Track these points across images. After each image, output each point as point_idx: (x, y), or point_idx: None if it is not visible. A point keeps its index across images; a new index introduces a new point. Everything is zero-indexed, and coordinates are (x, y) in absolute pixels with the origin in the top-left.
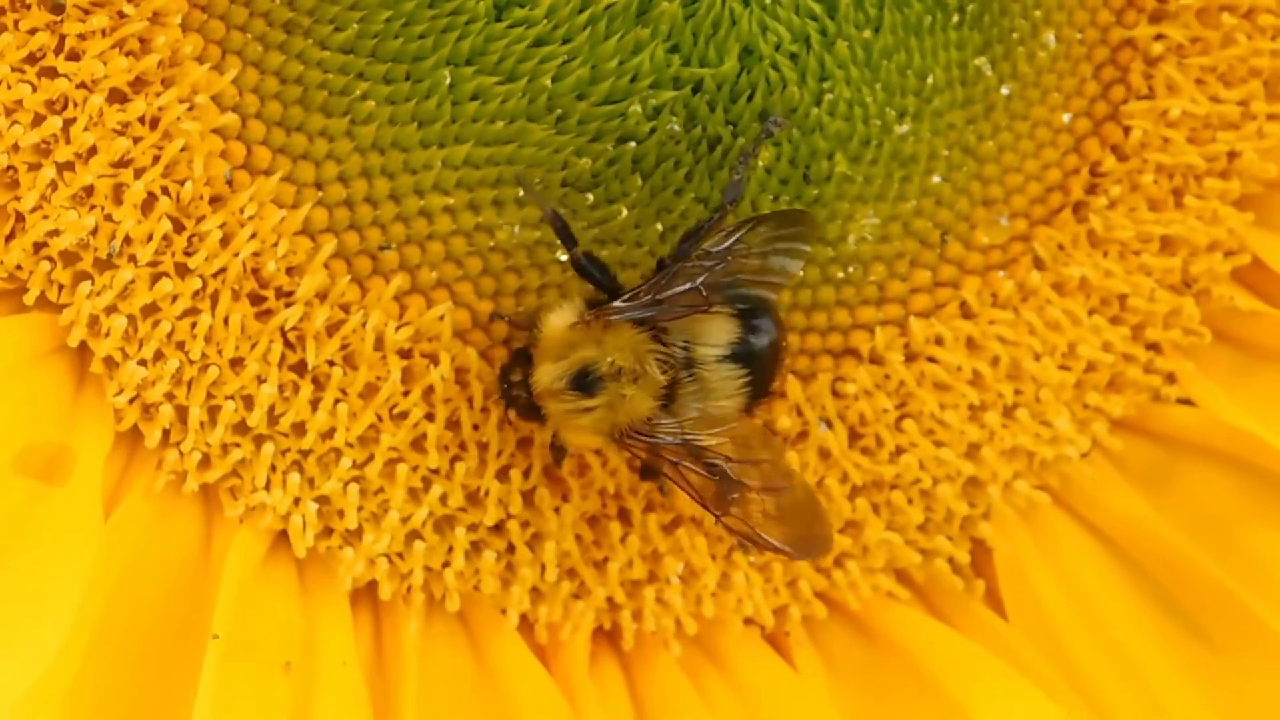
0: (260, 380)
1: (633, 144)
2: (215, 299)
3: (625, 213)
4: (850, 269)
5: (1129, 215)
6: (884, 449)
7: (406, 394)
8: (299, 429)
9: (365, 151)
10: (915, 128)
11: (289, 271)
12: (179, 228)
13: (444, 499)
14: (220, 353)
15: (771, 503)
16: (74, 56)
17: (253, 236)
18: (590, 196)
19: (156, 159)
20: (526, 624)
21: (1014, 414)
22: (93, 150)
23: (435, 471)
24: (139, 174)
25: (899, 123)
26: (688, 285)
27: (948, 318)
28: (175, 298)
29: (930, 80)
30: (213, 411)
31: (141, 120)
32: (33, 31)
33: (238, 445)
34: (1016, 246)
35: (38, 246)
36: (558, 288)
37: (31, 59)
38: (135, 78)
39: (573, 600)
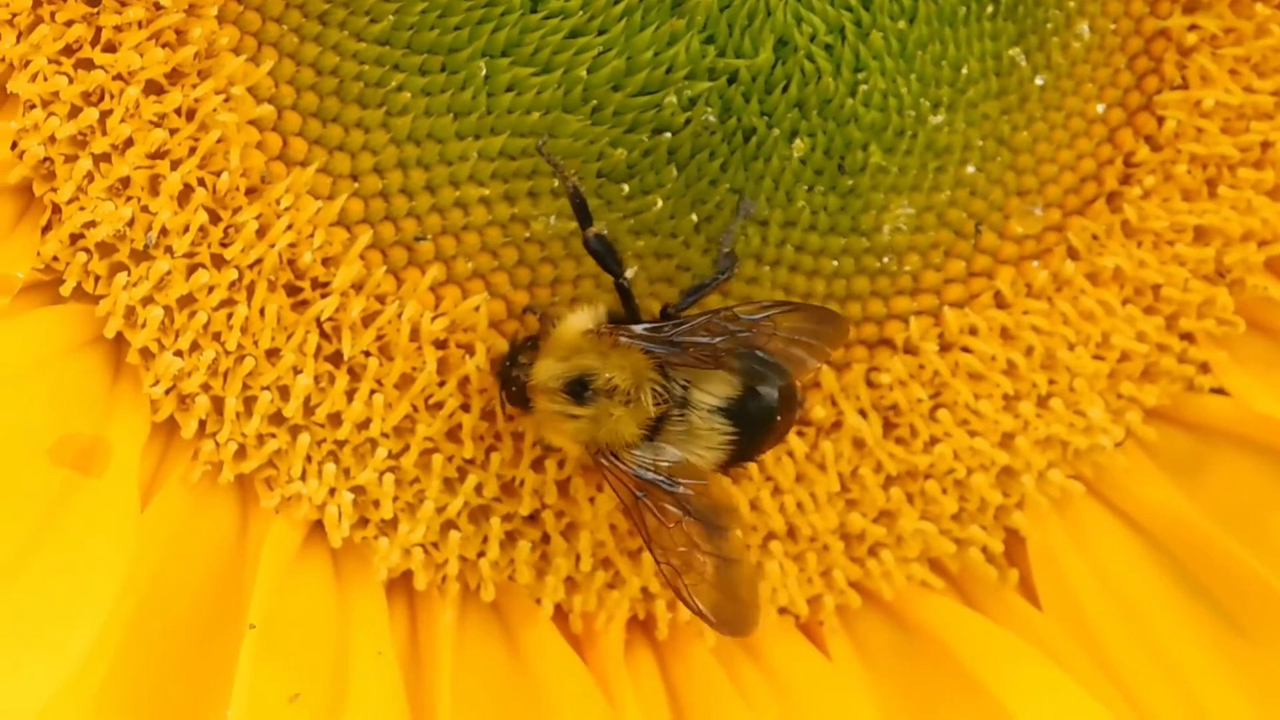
0: (296, 371)
1: (668, 135)
2: (251, 290)
3: (660, 203)
4: (885, 259)
5: (1163, 205)
6: (918, 439)
7: (442, 384)
8: (334, 419)
9: (401, 143)
10: (950, 118)
11: (325, 262)
12: (215, 219)
13: (479, 489)
14: (256, 343)
15: (712, 568)
16: (110, 48)
17: (289, 228)
18: (626, 187)
19: (193, 150)
20: (561, 614)
21: (1048, 403)
22: (129, 142)
23: (470, 461)
24: (175, 165)
25: (934, 113)
26: (705, 339)
27: (982, 308)
28: (211, 289)
29: (965, 71)
30: (249, 402)
31: (178, 112)
32: (69, 23)
33: (273, 436)
34: (1051, 236)
35: (74, 238)
36: (593, 278)
37: (68, 51)
38: (171, 69)
39: (607, 590)
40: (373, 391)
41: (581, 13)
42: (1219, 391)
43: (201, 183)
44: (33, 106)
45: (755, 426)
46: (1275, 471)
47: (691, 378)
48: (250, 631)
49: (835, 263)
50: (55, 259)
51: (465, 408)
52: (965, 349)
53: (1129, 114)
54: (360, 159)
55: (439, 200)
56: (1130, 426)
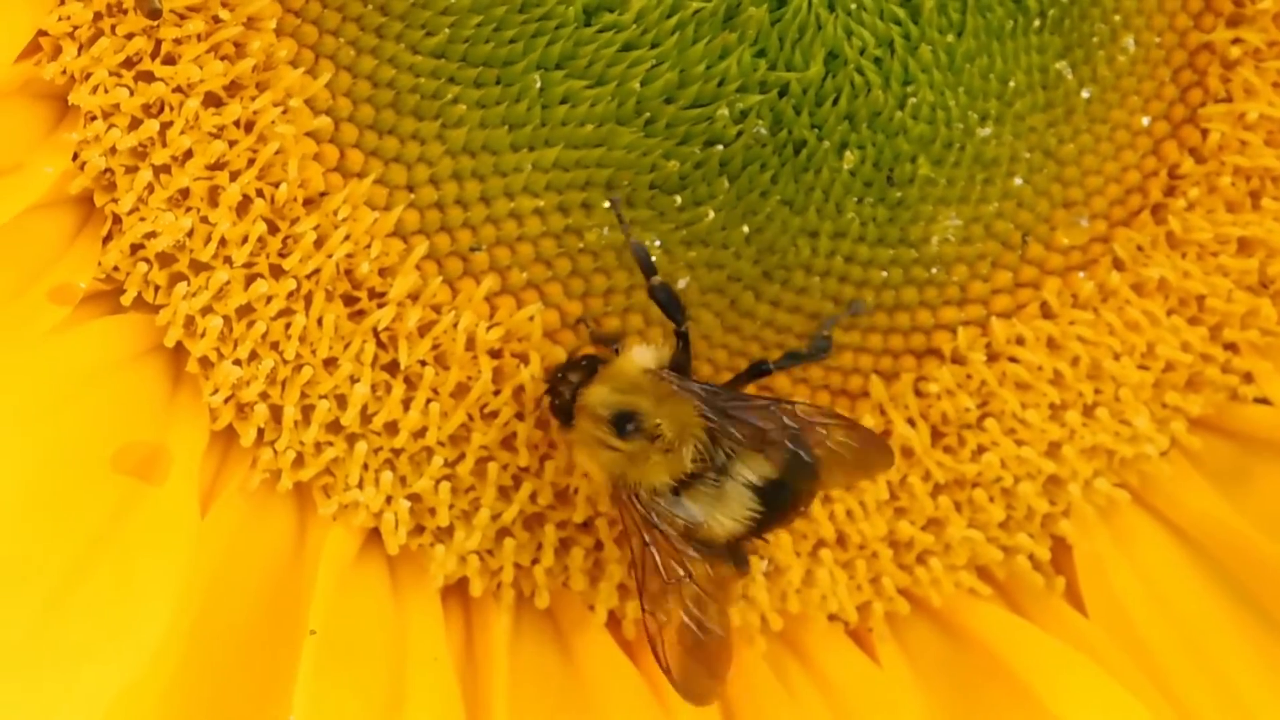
0: (354, 380)
1: (720, 147)
2: (309, 300)
3: (712, 215)
4: (933, 270)
5: (1207, 217)
6: (966, 448)
7: (497, 393)
8: (391, 428)
9: (456, 154)
10: (997, 131)
11: (382, 273)
12: (274, 229)
13: (534, 496)
14: (314, 353)
15: (692, 636)
16: (170, 61)
17: (346, 238)
18: (678, 199)
19: (251, 162)
20: (614, 620)
21: (1094, 413)
22: (189, 153)
23: (525, 469)
24: (234, 176)
25: (981, 126)
26: (758, 423)
27: (1029, 318)
28: (270, 299)
29: (1012, 84)
30: (307, 411)
31: (237, 124)
32: (129, 36)
33: (331, 444)
34: (1096, 248)
35: (135, 248)
36: (645, 287)
37: (128, 63)
38: (230, 82)
39: None
40: (429, 400)
41: (635, 26)
42: (1262, 401)
43: (260, 194)
44: (94, 118)
45: (775, 512)
46: None
47: (738, 450)
48: (310, 637)
49: (884, 273)
50: (116, 269)
51: (520, 416)
52: (1012, 359)
53: (1173, 127)
54: (416, 170)
55: (494, 211)
56: (1175, 435)
